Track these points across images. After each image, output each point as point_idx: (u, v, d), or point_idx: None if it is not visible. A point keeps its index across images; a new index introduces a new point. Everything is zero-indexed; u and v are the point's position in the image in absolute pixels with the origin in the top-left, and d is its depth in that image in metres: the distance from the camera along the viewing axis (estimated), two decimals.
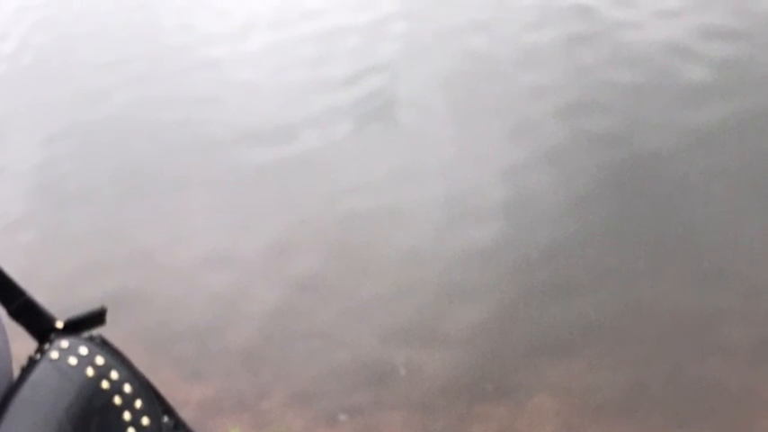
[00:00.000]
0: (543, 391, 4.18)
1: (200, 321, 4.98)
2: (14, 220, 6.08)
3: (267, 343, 4.75)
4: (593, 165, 5.43)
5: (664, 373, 4.15)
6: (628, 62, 6.31)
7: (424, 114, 6.25)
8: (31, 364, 1.20)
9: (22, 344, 1.35)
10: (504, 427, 4.08)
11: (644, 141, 5.53)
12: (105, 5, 9.08)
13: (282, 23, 7.90)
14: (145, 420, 1.23)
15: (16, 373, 1.21)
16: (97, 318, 1.29)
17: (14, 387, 1.16)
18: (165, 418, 1.28)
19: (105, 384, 1.21)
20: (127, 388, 1.23)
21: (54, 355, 1.21)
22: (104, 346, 1.26)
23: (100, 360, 1.23)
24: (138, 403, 1.24)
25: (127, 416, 1.22)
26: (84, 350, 1.23)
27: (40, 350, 1.23)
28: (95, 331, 1.30)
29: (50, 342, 1.24)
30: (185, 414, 1.34)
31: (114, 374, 1.23)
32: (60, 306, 1.48)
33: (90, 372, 1.21)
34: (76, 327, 1.28)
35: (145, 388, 1.26)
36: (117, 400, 1.22)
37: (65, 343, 1.23)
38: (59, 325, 1.27)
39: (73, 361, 1.21)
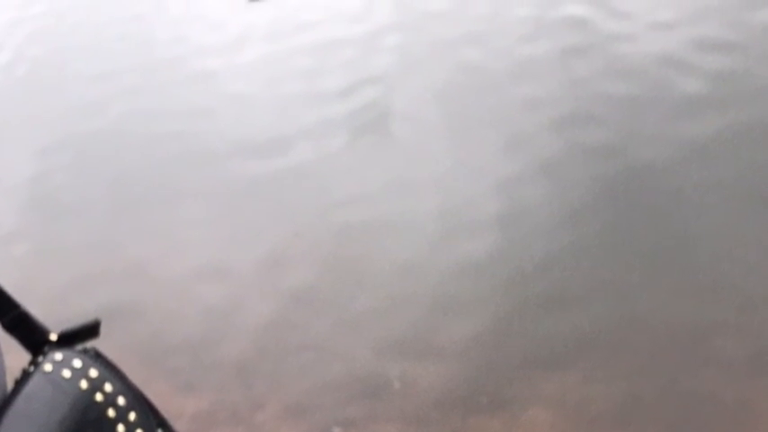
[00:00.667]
0: (538, 403, 4.17)
1: (194, 334, 4.97)
2: (8, 232, 6.07)
3: (261, 355, 4.74)
4: (588, 177, 5.43)
5: (658, 385, 4.14)
6: (622, 74, 6.32)
7: (419, 127, 6.26)
8: (25, 376, 1.20)
9: (15, 356, 1.34)
10: None
11: (639, 153, 5.53)
12: (100, 17, 9.07)
13: (277, 35, 7.90)
14: None
15: (10, 385, 1.21)
16: (91, 330, 1.29)
17: (8, 400, 1.16)
18: (159, 431, 1.28)
19: (99, 397, 1.21)
20: (121, 400, 1.23)
21: (48, 367, 1.21)
22: (98, 358, 1.26)
23: (94, 373, 1.23)
24: (132, 416, 1.23)
25: (121, 428, 1.22)
26: (77, 363, 1.23)
27: (34, 363, 1.23)
28: (89, 344, 1.29)
29: (44, 355, 1.23)
30: (179, 426, 1.33)
31: (108, 387, 1.23)
32: (54, 319, 1.47)
33: (84, 384, 1.21)
34: (70, 339, 1.28)
35: (139, 400, 1.26)
36: (111, 412, 1.22)
37: (59, 356, 1.23)
38: (53, 337, 1.27)
39: (67, 374, 1.21)
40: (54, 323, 1.35)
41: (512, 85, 6.46)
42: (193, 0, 9.17)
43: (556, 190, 5.38)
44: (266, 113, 6.78)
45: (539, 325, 4.56)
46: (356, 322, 4.80)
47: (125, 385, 1.25)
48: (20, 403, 1.14)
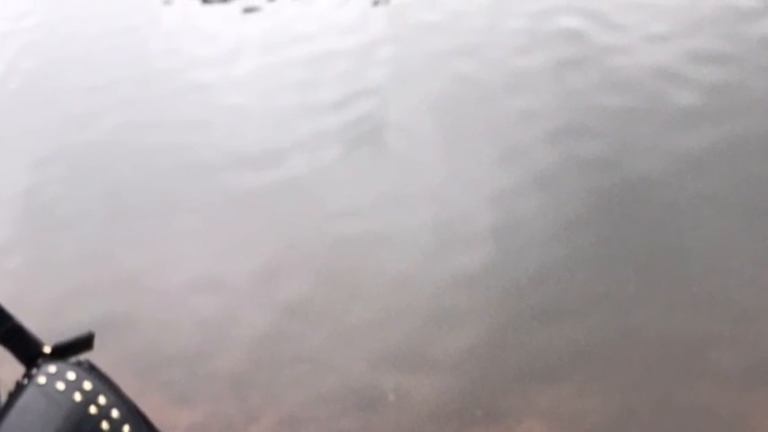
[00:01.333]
0: (532, 416, 4.16)
1: (188, 346, 4.96)
2: (1, 244, 6.05)
3: (256, 367, 4.74)
4: (583, 189, 5.43)
5: (653, 398, 4.14)
6: (617, 87, 6.32)
7: (413, 139, 6.26)
8: (19, 389, 1.19)
9: (9, 369, 1.34)
10: None
11: (633, 166, 5.54)
12: (93, 29, 9.07)
13: (271, 47, 7.90)
14: None
15: (3, 398, 1.20)
16: (85, 343, 1.29)
17: (2, 412, 1.15)
18: None
19: (93, 409, 1.20)
20: (114, 413, 1.23)
21: (41, 380, 1.21)
22: (92, 371, 1.25)
23: (87, 385, 1.22)
24: (126, 428, 1.23)
25: None
26: (71, 375, 1.22)
27: (28, 375, 1.23)
28: (83, 356, 1.29)
29: (38, 367, 1.23)
30: None
31: (102, 399, 1.22)
32: (48, 331, 1.46)
33: (78, 397, 1.20)
34: (64, 352, 1.27)
35: (133, 413, 1.25)
36: (105, 425, 1.21)
37: (52, 368, 1.22)
38: (47, 350, 1.27)
39: (60, 386, 1.20)
40: (48, 335, 1.34)
41: (506, 98, 6.46)
42: (188, 12, 9.18)
43: (550, 202, 5.38)
44: (260, 125, 6.78)
45: (533, 337, 4.55)
46: (351, 334, 4.80)
47: (119, 398, 1.24)
48: (14, 416, 1.14)
